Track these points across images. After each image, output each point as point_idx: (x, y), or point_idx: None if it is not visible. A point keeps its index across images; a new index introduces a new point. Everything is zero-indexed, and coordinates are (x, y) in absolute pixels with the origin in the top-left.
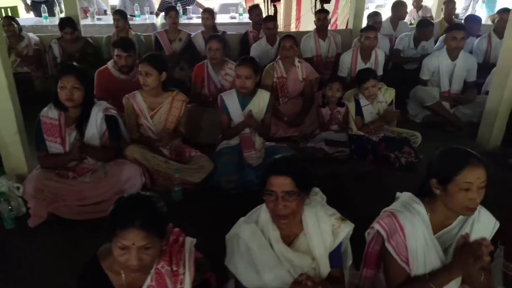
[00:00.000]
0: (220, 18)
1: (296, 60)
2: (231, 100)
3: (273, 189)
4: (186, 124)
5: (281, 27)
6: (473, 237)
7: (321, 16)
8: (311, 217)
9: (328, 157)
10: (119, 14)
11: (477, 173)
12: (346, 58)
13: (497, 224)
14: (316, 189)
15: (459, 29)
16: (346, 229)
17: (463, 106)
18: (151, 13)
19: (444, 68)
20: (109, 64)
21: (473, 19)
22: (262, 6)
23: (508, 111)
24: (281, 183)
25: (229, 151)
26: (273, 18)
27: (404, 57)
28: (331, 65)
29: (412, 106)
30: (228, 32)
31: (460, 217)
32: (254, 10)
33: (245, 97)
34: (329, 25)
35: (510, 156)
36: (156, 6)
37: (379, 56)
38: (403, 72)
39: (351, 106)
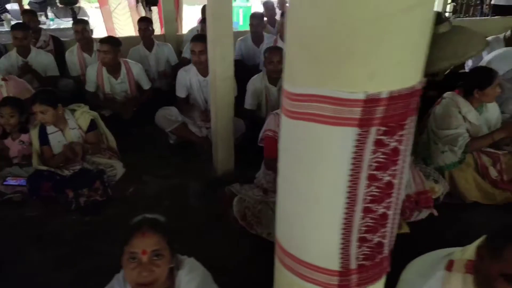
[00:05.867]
0: None
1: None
2: None
3: None
4: None
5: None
6: None
7: (78, 27)
8: None
9: (1, 199)
10: None
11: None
12: (91, 72)
13: None
14: None
15: (197, 41)
16: None
17: None
18: None
19: (195, 85)
20: None
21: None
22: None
23: (227, 130)
24: None
25: None
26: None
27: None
28: None
29: None
30: None
31: None
32: None
33: None
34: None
35: (230, 183)
36: None
37: (133, 70)
38: None
39: (34, 134)
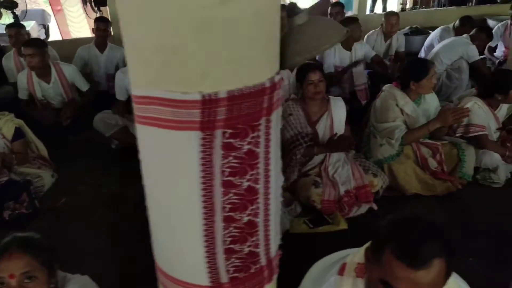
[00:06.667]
0: None
1: None
2: None
3: None
4: None
5: None
6: None
7: (12, 31)
8: None
9: None
10: None
11: None
12: (22, 79)
13: None
14: None
15: None
16: None
17: None
18: None
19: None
20: None
21: None
22: None
23: None
24: None
25: None
26: None
27: None
28: None
29: None
30: None
31: None
32: None
33: None
34: None
35: None
36: None
37: (65, 72)
38: None
39: None
